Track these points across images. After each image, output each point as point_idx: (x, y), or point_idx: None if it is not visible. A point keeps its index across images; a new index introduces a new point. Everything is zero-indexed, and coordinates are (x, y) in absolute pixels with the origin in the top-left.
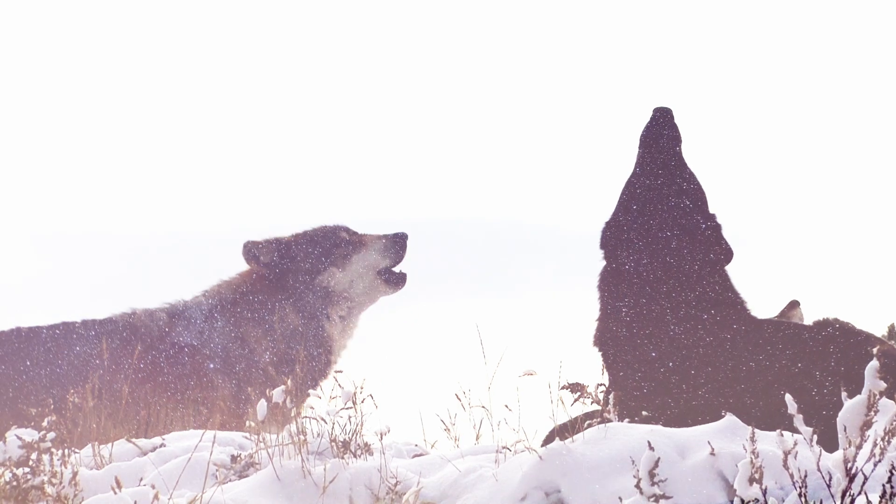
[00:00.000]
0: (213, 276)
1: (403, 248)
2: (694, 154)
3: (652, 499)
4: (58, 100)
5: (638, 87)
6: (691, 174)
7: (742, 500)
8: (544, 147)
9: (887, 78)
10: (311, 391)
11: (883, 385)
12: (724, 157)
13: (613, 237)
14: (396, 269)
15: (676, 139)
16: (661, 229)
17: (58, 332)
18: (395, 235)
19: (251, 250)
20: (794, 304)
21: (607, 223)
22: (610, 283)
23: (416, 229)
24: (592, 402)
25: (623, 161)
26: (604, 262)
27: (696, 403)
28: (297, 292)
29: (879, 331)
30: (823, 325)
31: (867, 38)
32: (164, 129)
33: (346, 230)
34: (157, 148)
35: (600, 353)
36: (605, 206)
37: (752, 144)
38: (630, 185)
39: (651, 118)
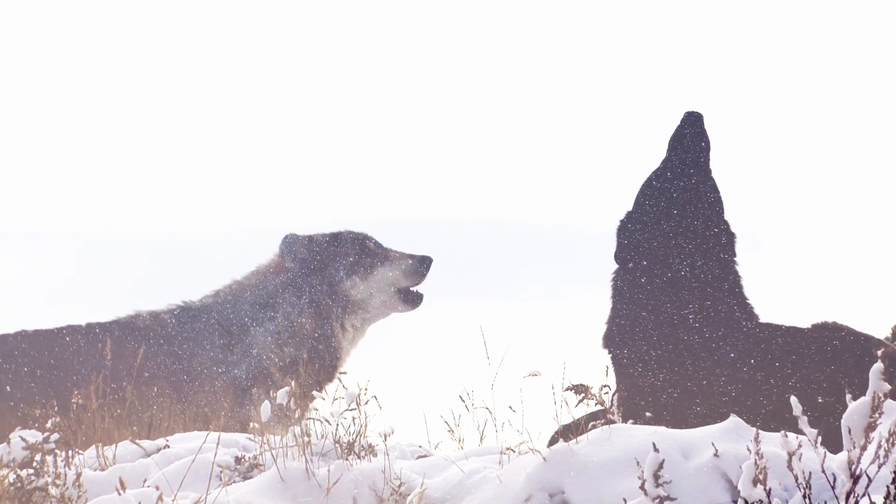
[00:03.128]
0: (214, 277)
1: (427, 271)
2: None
3: (656, 500)
4: (60, 101)
5: (646, 86)
6: (713, 181)
7: (746, 502)
8: (549, 147)
9: (889, 80)
10: (314, 392)
11: (888, 387)
12: (730, 159)
13: (630, 238)
14: (414, 290)
15: (705, 145)
16: (680, 233)
17: (63, 334)
18: (422, 258)
19: (292, 245)
20: None
21: (623, 223)
22: (624, 284)
23: (421, 229)
24: (596, 404)
25: (629, 161)
26: (618, 263)
27: (701, 405)
28: (317, 295)
29: (883, 332)
30: (822, 327)
31: (871, 47)
32: (166, 130)
33: (373, 241)
34: (160, 149)
35: (609, 354)
36: (610, 206)
37: (757, 146)
38: (651, 186)
39: (681, 122)
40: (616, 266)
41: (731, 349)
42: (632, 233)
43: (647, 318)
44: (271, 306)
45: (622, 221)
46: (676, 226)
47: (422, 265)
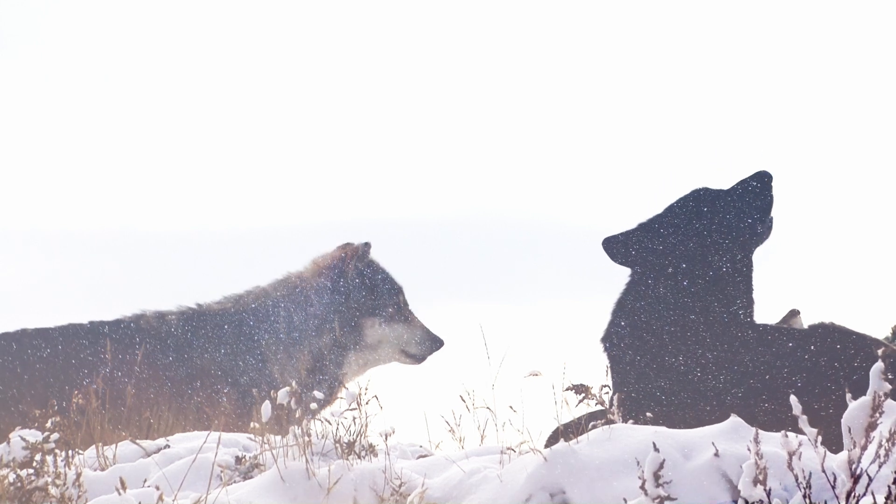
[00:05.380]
0: (215, 276)
1: (433, 351)
2: (699, 154)
3: (656, 500)
4: (66, 99)
5: (650, 85)
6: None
7: (746, 502)
8: (550, 148)
9: (888, 81)
10: (314, 392)
11: (888, 386)
12: (726, 161)
13: (663, 242)
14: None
15: (769, 200)
16: (706, 248)
17: (64, 333)
18: (435, 338)
19: (363, 256)
20: (794, 313)
21: (658, 227)
22: (667, 291)
23: (421, 229)
24: (597, 403)
25: (629, 163)
26: (638, 267)
27: (700, 405)
28: (341, 323)
29: (883, 333)
30: (819, 328)
31: (871, 48)
32: (172, 130)
33: (403, 295)
34: (165, 148)
35: (605, 351)
36: (612, 207)
37: (758, 148)
38: (689, 206)
39: (752, 176)
40: (637, 269)
41: (727, 350)
42: (664, 237)
43: (696, 322)
44: (292, 323)
45: (642, 224)
46: (701, 242)
47: (434, 344)
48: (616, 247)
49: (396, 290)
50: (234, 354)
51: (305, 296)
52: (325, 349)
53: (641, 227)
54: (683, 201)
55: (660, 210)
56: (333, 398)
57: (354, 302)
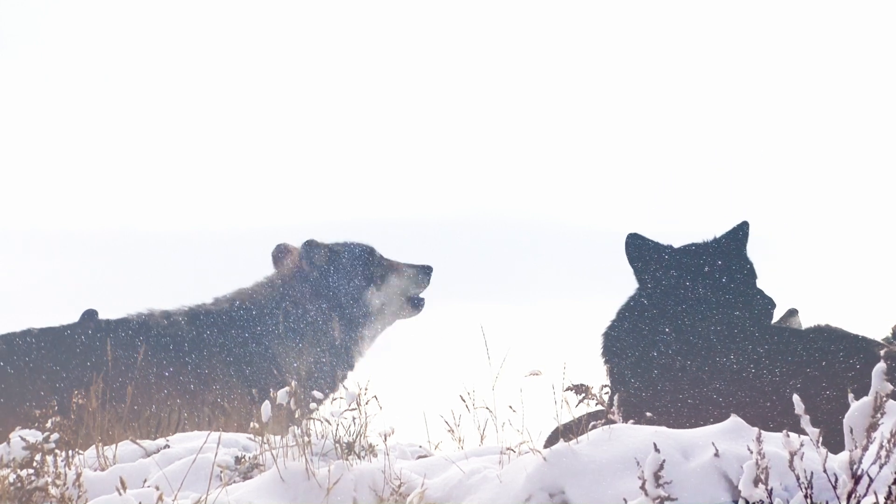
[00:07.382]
0: (213, 276)
1: (429, 279)
2: (698, 154)
3: (657, 500)
4: (66, 99)
5: (651, 83)
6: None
7: (747, 502)
8: (550, 147)
9: (886, 80)
10: (314, 392)
11: (890, 387)
12: (727, 161)
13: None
14: (419, 296)
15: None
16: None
17: (70, 332)
18: (424, 267)
19: (311, 251)
20: (792, 313)
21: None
22: (649, 297)
23: (421, 229)
24: (597, 404)
25: (631, 163)
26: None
27: (699, 405)
28: (343, 305)
29: (883, 333)
30: (817, 330)
31: (871, 47)
32: (174, 128)
33: (376, 253)
34: (168, 146)
35: (604, 348)
36: (610, 208)
37: (758, 147)
38: (692, 251)
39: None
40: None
41: (737, 352)
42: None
43: (740, 318)
44: (296, 314)
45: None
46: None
47: (425, 274)
48: (638, 248)
49: (367, 252)
50: (243, 354)
51: (302, 286)
52: (325, 345)
53: (677, 249)
54: (727, 238)
55: (688, 240)
56: (347, 377)
57: (354, 278)
